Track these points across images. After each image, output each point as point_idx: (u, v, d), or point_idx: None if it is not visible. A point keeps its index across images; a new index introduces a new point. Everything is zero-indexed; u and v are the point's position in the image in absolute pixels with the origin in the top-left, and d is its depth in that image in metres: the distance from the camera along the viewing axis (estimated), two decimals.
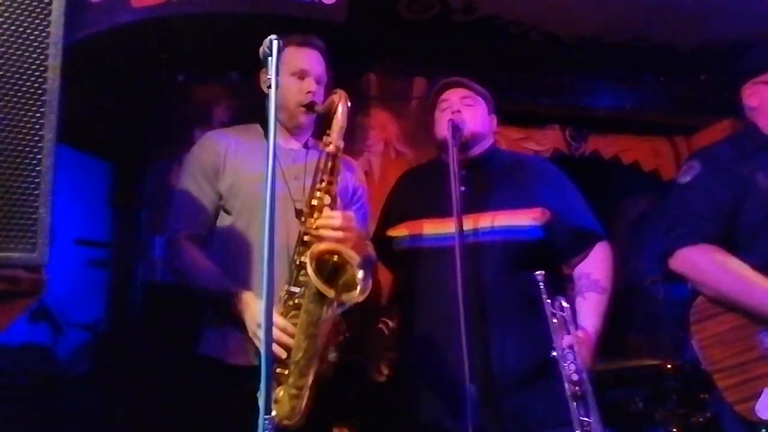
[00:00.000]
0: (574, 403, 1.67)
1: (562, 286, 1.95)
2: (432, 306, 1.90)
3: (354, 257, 1.59)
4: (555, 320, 1.74)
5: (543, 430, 1.80)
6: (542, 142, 3.77)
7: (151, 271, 2.88)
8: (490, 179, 1.98)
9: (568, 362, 1.70)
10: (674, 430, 2.90)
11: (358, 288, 1.53)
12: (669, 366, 3.06)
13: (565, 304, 1.75)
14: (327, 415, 1.86)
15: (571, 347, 1.72)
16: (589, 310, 1.85)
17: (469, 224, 1.83)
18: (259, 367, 1.57)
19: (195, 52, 2.88)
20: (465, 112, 1.96)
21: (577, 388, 1.68)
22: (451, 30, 3.18)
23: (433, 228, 1.94)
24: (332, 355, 1.67)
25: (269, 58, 1.38)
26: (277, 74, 1.35)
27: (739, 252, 1.68)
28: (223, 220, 1.85)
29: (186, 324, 2.61)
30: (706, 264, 1.69)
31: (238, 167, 1.84)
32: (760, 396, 1.58)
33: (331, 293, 1.49)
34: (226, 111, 3.00)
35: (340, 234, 1.65)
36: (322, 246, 1.60)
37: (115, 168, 3.02)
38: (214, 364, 1.78)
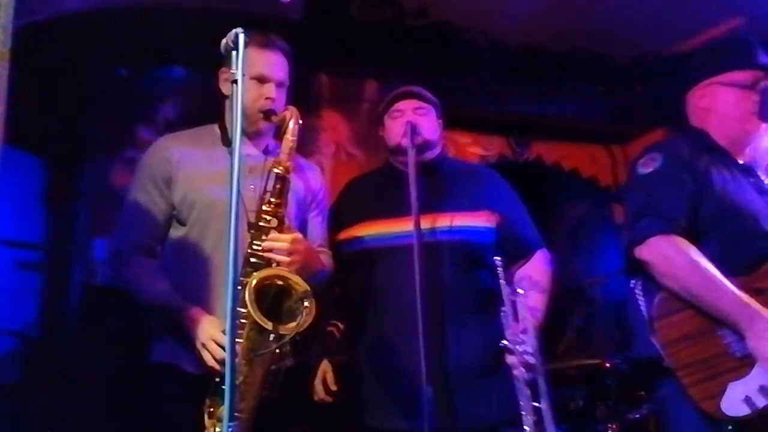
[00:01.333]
0: (527, 389, 1.68)
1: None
2: (386, 305, 1.93)
3: (299, 284, 1.58)
4: (508, 307, 1.77)
5: (496, 424, 1.85)
6: (488, 147, 3.87)
7: (90, 274, 2.74)
8: (442, 183, 2.04)
9: (522, 347, 1.71)
10: (613, 426, 3.01)
11: (297, 321, 1.53)
12: (607, 365, 3.16)
13: (519, 291, 1.79)
14: (279, 418, 1.82)
15: (525, 332, 1.75)
16: (532, 305, 1.91)
17: (426, 224, 1.87)
18: (211, 378, 1.58)
19: (140, 45, 2.77)
20: (418, 121, 2.01)
21: (529, 373, 1.69)
22: (403, 34, 3.21)
23: (385, 228, 1.98)
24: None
25: (233, 53, 1.35)
26: (243, 70, 1.32)
27: (697, 244, 1.67)
28: (177, 231, 1.80)
29: (129, 330, 2.51)
30: (677, 257, 1.64)
31: (191, 177, 1.79)
32: (725, 392, 1.57)
33: (269, 325, 1.50)
34: (172, 108, 2.90)
35: (286, 259, 1.63)
36: (264, 273, 1.59)
37: (50, 164, 2.85)
38: (168, 370, 1.73)
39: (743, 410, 1.56)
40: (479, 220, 1.97)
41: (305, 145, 3.06)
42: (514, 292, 1.81)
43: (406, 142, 1.91)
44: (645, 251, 1.68)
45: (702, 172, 1.74)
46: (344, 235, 2.03)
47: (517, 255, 2.03)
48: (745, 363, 1.59)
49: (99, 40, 2.63)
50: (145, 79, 2.91)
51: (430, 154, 2.07)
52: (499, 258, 1.82)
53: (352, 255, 2.01)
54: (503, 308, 1.79)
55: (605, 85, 3.92)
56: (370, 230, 1.99)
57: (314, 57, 3.07)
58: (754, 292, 1.63)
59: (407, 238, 1.82)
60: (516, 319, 1.78)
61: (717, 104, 1.83)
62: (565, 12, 3.13)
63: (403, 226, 1.88)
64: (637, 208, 1.75)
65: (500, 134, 3.92)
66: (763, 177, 1.84)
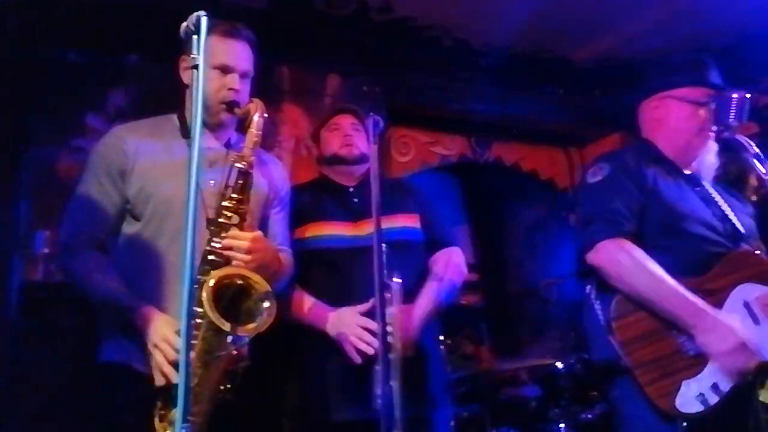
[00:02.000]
0: (378, 368, 1.77)
1: None
2: (334, 302, 2.00)
3: (260, 284, 1.54)
4: (388, 295, 1.88)
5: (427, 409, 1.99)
6: (450, 146, 3.88)
7: (32, 270, 2.58)
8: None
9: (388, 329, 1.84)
10: (565, 425, 3.05)
11: (256, 322, 1.50)
12: (561, 366, 3.20)
13: (396, 279, 1.90)
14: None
15: (391, 314, 1.88)
16: (423, 294, 2.06)
17: (370, 226, 1.89)
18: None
19: (91, 28, 2.63)
20: (354, 136, 2.17)
21: (391, 354, 1.81)
22: (366, 28, 3.18)
23: (333, 230, 2.06)
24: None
25: (194, 37, 1.29)
26: (205, 57, 1.27)
27: (648, 249, 1.73)
28: (131, 226, 1.73)
29: (76, 327, 2.37)
30: (625, 260, 1.71)
31: (147, 170, 1.71)
32: (679, 390, 1.62)
33: (226, 326, 1.46)
34: (123, 96, 2.76)
35: (246, 257, 1.59)
36: (224, 271, 1.54)
37: None
38: (119, 370, 1.65)
39: (697, 407, 1.61)
40: (408, 221, 2.15)
41: (265, 139, 2.96)
42: (390, 279, 1.92)
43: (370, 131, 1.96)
44: (595, 256, 1.76)
45: (650, 182, 1.82)
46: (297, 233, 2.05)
47: (433, 252, 2.21)
48: (698, 361, 1.65)
49: (46, 21, 2.49)
50: (96, 65, 2.75)
51: (362, 168, 2.18)
52: (384, 245, 1.93)
53: (303, 254, 2.02)
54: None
55: (565, 87, 3.97)
56: (317, 232, 2.07)
57: (276, 48, 2.99)
58: (706, 293, 1.71)
59: (358, 241, 1.98)
60: (391, 305, 1.91)
61: (669, 117, 1.92)
62: (527, 14, 3.16)
63: (352, 230, 2.04)
64: (585, 215, 1.84)
65: (461, 134, 3.93)
66: (707, 186, 1.92)
